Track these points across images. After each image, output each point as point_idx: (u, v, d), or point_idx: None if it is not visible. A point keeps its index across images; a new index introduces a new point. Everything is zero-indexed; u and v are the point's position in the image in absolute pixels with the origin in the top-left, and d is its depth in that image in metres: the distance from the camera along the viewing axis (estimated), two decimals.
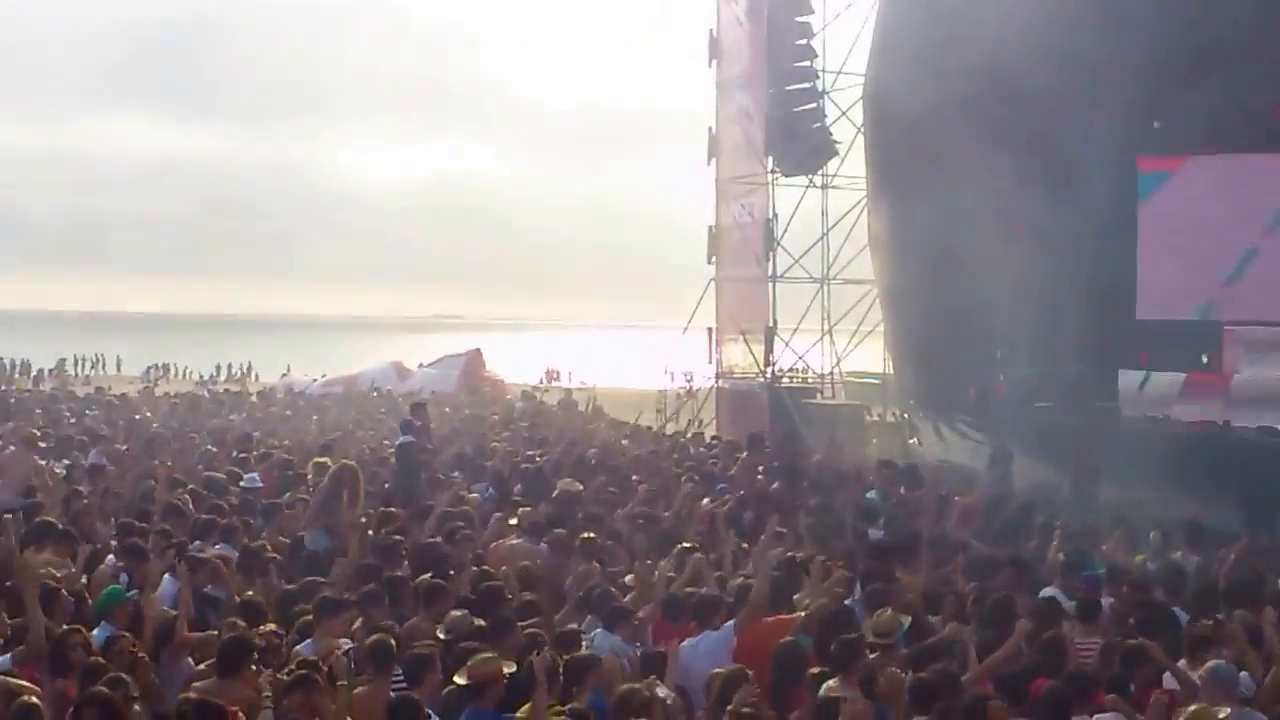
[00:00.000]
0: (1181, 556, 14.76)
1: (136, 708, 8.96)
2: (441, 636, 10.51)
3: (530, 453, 22.71)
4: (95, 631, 10.45)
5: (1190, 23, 21.60)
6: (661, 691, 9.45)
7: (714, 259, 34.88)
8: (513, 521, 15.37)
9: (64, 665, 9.62)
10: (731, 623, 11.02)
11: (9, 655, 9.88)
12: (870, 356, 34.93)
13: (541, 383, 67.02)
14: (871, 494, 18.56)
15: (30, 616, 10.14)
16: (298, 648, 10.39)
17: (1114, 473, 19.77)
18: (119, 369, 77.69)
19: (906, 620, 10.87)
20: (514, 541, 14.68)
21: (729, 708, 8.82)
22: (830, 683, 9.58)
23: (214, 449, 22.85)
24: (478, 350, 51.29)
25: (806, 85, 32.81)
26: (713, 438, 28.56)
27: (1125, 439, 21.35)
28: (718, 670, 9.83)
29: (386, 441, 22.61)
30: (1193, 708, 8.81)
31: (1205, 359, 22.53)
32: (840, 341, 34.42)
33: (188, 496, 16.51)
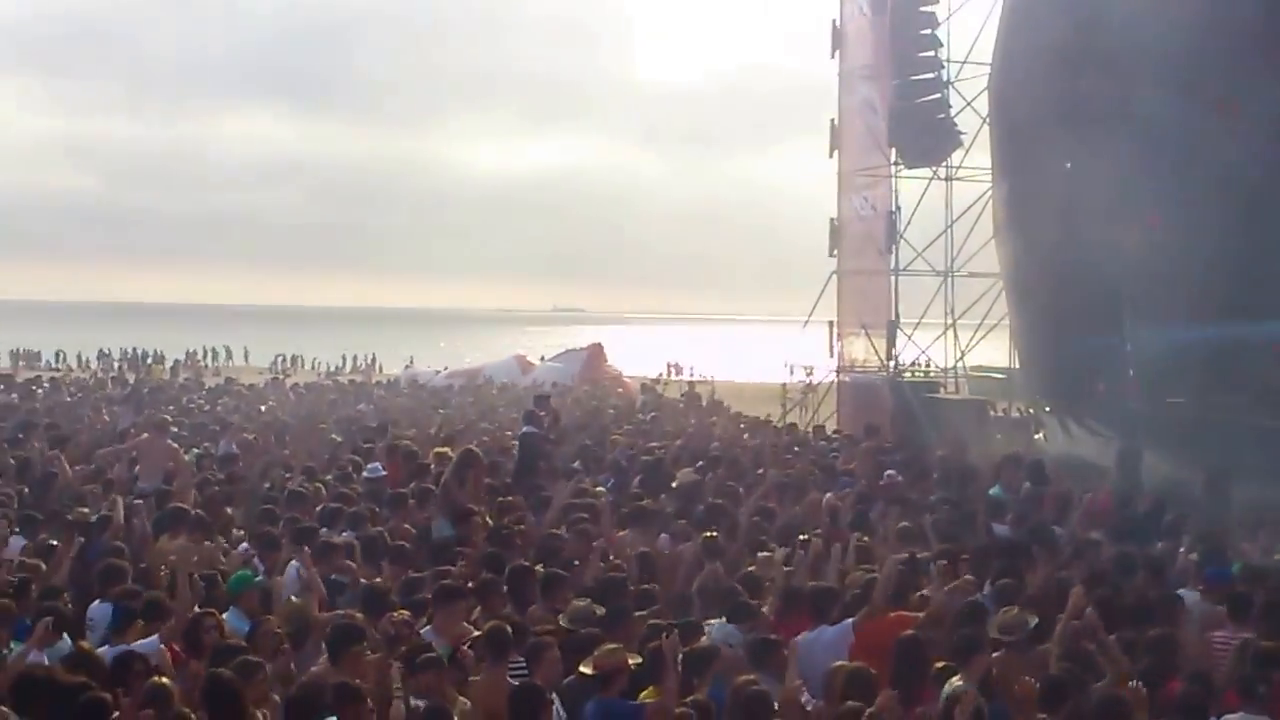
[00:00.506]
0: None
1: (275, 696, 9.10)
2: (563, 625, 10.58)
3: (650, 445, 22.69)
4: (225, 615, 10.63)
5: None
6: (804, 697, 9.41)
7: (836, 252, 34.58)
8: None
9: (198, 647, 9.81)
10: (850, 619, 10.94)
11: (156, 636, 10.06)
12: (995, 351, 34.46)
13: (662, 376, 67.11)
14: (995, 490, 18.30)
15: (179, 597, 10.41)
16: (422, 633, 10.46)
17: (1251, 470, 19.24)
18: (246, 359, 78.90)
19: (1033, 619, 10.70)
20: (632, 533, 14.70)
21: (869, 711, 8.75)
22: (955, 679, 9.45)
23: (339, 439, 23.16)
24: (599, 345, 51.38)
25: (931, 76, 32.38)
26: (833, 431, 28.40)
27: (1261, 435, 20.75)
28: (840, 664, 9.77)
29: (509, 433, 22.64)
30: None
31: None
32: (964, 335, 33.94)
33: (319, 485, 16.76)
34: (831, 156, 34.57)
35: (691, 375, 69.54)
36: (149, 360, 70.74)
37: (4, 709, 8.62)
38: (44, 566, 12.04)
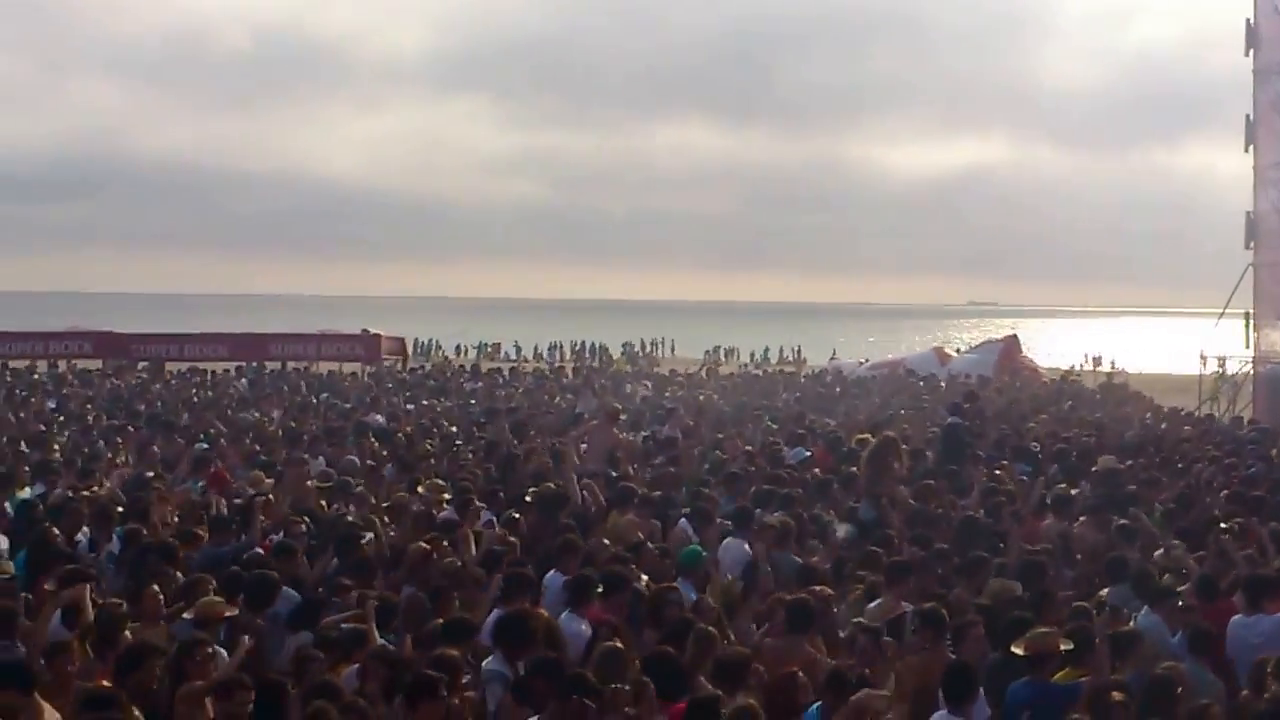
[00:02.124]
0: None
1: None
2: (985, 604, 10.47)
3: (1067, 434, 22.07)
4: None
5: None
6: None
7: (1252, 244, 33.05)
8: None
9: (658, 620, 10.08)
10: None
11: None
12: None
13: (1077, 366, 65.11)
14: None
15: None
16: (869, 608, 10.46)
17: None
18: (673, 351, 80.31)
19: None
20: (1053, 518, 14.37)
21: None
22: None
23: (772, 424, 23.40)
24: (1014, 336, 50.23)
25: None
26: (1249, 421, 27.04)
27: None
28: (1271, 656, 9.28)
29: (932, 428, 22.28)
30: None
31: None
32: None
33: (751, 469, 16.99)
34: (1247, 151, 33.09)
35: (1108, 365, 67.26)
36: (594, 353, 73.05)
37: None
38: (512, 539, 12.60)
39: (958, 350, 53.40)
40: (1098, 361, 73.33)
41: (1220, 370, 36.32)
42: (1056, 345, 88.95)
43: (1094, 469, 17.23)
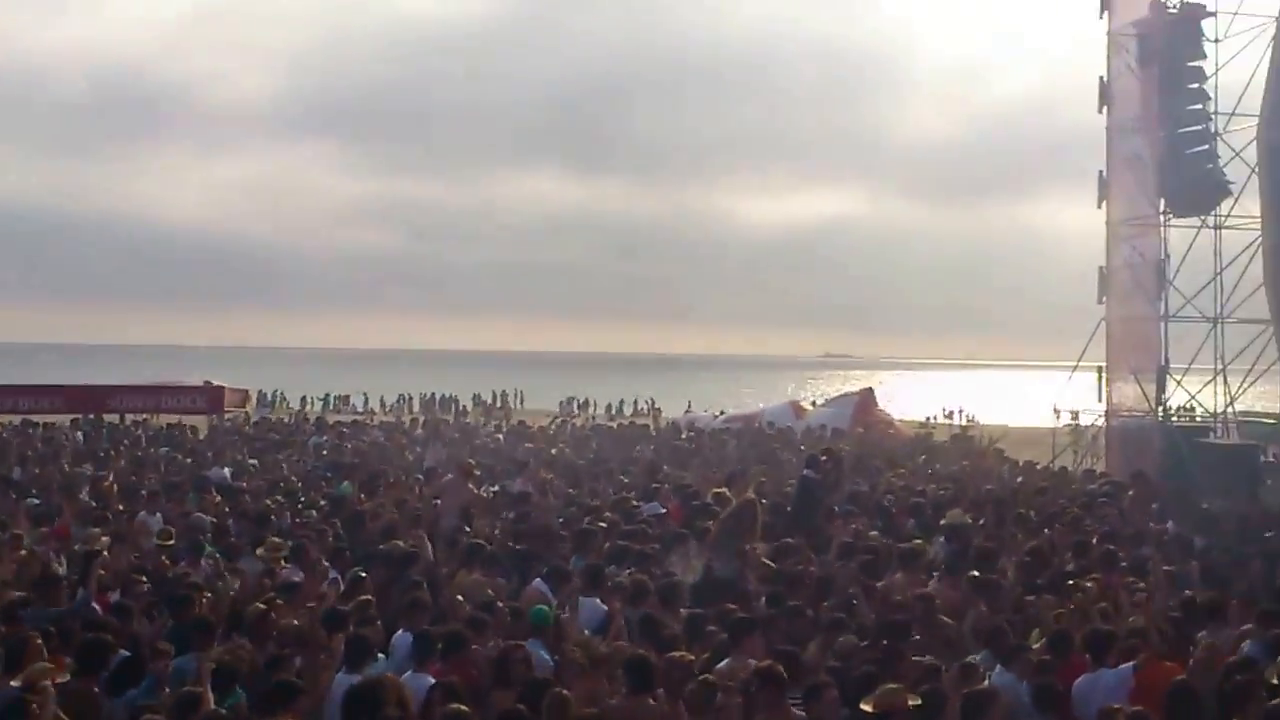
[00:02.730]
0: None
1: None
2: (835, 664, 10.54)
3: (922, 488, 22.40)
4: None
5: None
6: None
7: (1104, 299, 33.94)
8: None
9: (506, 679, 10.00)
10: (1131, 663, 10.59)
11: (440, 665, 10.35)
12: (1266, 397, 33.19)
13: (931, 420, 66.24)
14: (1271, 536, 17.54)
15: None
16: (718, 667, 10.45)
17: None
18: (521, 403, 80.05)
19: None
20: (904, 574, 14.52)
21: None
22: None
23: (625, 479, 23.43)
24: (869, 390, 51.01)
25: (1199, 127, 31.73)
26: (1101, 474, 27.69)
27: None
28: (1116, 707, 9.47)
29: (789, 482, 22.44)
30: None
31: None
32: (1234, 381, 32.90)
33: (604, 524, 16.94)
34: (1100, 207, 33.99)
35: (962, 418, 68.54)
36: (444, 404, 72.72)
37: None
38: (365, 597, 12.46)
39: (813, 403, 53.98)
40: (953, 415, 74.81)
41: (1074, 424, 37.19)
42: (913, 398, 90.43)
43: (942, 523, 17.48)
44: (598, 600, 12.75)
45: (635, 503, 19.37)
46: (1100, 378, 34.07)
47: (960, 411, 76.67)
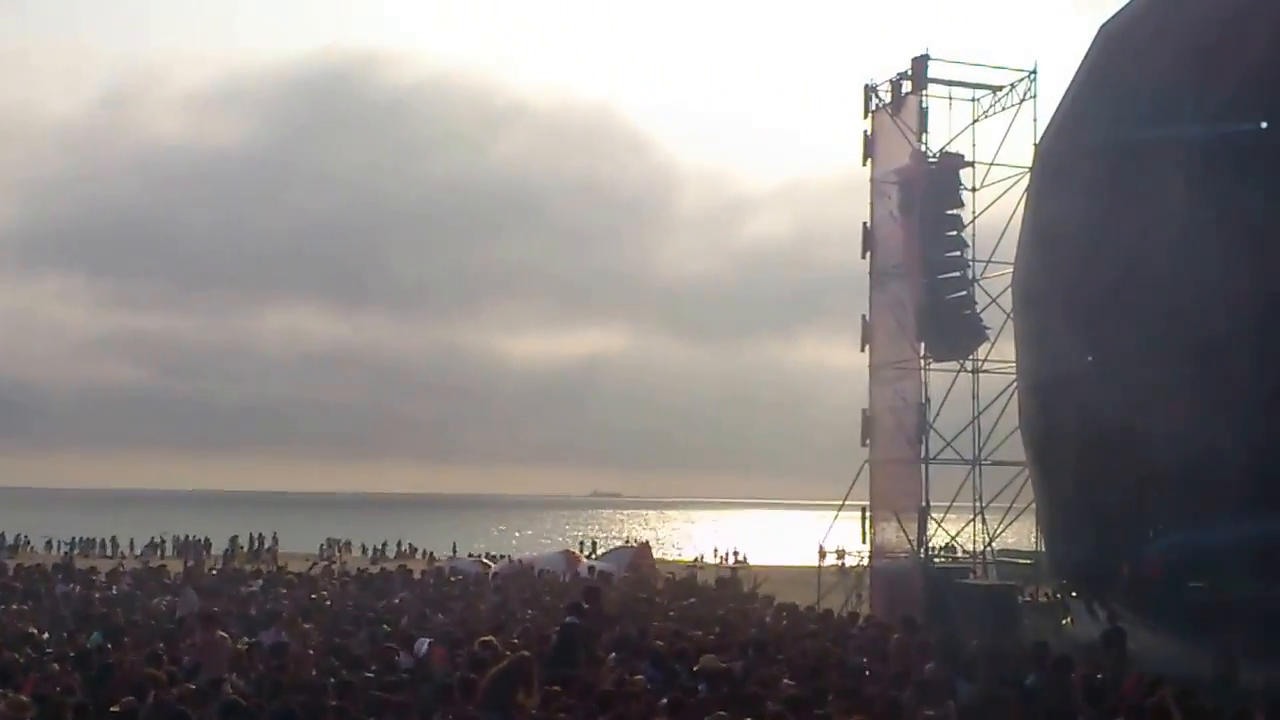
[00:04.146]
0: None
1: None
2: None
3: (691, 633, 22.60)
4: None
5: None
6: None
7: (868, 441, 34.89)
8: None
9: None
10: None
11: None
12: (1022, 536, 34.50)
13: (700, 559, 66.90)
14: (1031, 679, 18.16)
15: None
16: None
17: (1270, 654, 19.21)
18: (276, 544, 78.08)
19: None
20: None
21: None
22: None
23: (387, 628, 23.14)
24: (646, 544, 51.59)
25: (957, 274, 33.18)
26: (866, 617, 28.31)
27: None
28: None
29: (553, 624, 22.45)
30: None
31: None
32: (992, 520, 34.11)
33: (365, 675, 16.70)
34: (863, 350, 35.05)
35: (732, 559, 69.38)
36: (199, 548, 70.95)
37: None
38: None
39: (588, 555, 54.32)
40: (726, 556, 75.76)
41: (840, 564, 38.06)
42: (685, 538, 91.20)
43: (695, 669, 17.65)
44: None
45: (397, 652, 19.14)
46: (864, 518, 34.92)
47: (733, 552, 77.66)
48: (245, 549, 73.11)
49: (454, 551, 70.54)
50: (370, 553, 76.50)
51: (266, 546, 74.49)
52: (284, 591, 31.12)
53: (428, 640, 20.35)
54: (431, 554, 70.90)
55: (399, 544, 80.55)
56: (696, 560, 69.23)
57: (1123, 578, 24.83)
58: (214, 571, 42.65)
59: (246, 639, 21.32)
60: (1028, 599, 31.03)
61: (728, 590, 36.36)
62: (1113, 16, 26.83)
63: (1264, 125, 22.49)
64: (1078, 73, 27.29)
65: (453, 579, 37.05)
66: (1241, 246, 21.88)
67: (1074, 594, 27.96)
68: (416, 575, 40.34)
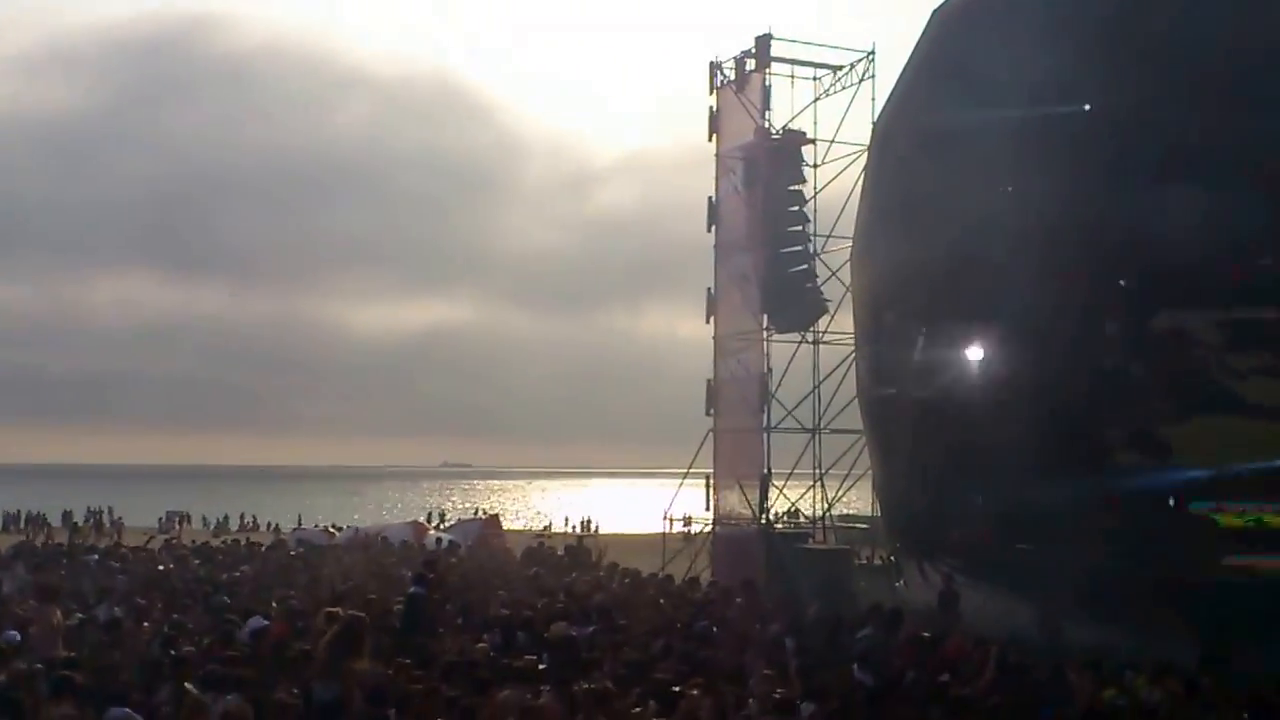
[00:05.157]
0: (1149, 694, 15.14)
1: None
2: None
3: (535, 601, 22.92)
4: None
5: None
6: None
7: (713, 411, 35.49)
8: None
9: None
10: None
11: None
12: (860, 501, 35.40)
13: (548, 528, 67.24)
14: (863, 633, 18.75)
15: None
16: None
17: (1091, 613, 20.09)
18: (113, 518, 76.93)
19: None
20: (512, 690, 14.91)
21: None
22: None
23: (228, 599, 23.09)
24: (495, 516, 51.74)
25: (799, 248, 33.87)
26: (710, 582, 28.84)
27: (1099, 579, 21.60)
28: None
29: (396, 596, 22.64)
30: None
31: None
32: (831, 487, 34.99)
33: (203, 647, 16.74)
34: (708, 322, 35.63)
35: (580, 528, 69.78)
36: (30, 522, 69.67)
37: None
38: None
39: (436, 525, 54.32)
40: (577, 525, 76.25)
41: (685, 531, 38.57)
42: (533, 507, 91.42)
43: (545, 636, 18.02)
44: None
45: (238, 624, 19.15)
46: (708, 486, 35.56)
47: (584, 522, 78.18)
48: (85, 524, 71.88)
49: (299, 523, 70.04)
50: (212, 525, 75.75)
51: (110, 521, 73.30)
52: (117, 565, 30.77)
53: (263, 619, 20.32)
54: (277, 526, 70.43)
55: (241, 516, 79.79)
56: (545, 530, 69.58)
57: (953, 541, 25.62)
58: (46, 546, 41.81)
59: (80, 614, 21.15)
60: (863, 562, 31.89)
61: (575, 558, 36.74)
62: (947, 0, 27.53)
63: (1087, 108, 23.28)
64: (913, 54, 27.96)
65: (295, 551, 36.87)
66: (1061, 225, 22.75)
67: (906, 556, 28.76)
68: (263, 549, 40.13)
